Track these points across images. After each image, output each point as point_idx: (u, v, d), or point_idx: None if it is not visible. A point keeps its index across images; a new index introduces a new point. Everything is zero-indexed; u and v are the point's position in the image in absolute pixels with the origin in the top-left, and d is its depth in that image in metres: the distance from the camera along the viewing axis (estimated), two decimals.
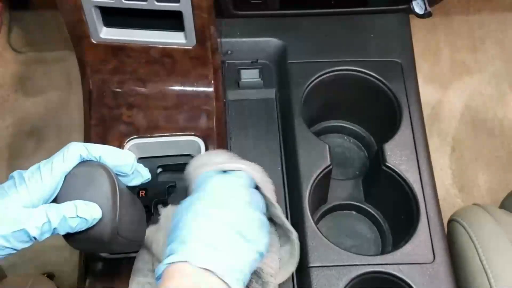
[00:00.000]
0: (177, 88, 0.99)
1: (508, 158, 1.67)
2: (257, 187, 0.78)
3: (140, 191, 0.92)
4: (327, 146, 0.99)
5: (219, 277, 0.61)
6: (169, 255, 0.63)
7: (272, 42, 1.10)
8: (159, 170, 0.96)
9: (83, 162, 0.66)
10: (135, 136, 0.95)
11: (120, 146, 0.94)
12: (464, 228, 0.98)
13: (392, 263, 0.90)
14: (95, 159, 0.67)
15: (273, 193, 0.80)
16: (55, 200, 0.64)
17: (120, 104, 0.98)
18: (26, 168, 0.64)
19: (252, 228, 0.68)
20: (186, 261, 0.61)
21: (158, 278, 0.63)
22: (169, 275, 0.62)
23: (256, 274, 0.80)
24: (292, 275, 0.93)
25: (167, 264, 0.62)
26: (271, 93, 1.09)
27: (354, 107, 1.13)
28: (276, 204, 0.80)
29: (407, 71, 1.08)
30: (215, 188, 0.72)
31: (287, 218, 0.98)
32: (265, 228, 0.71)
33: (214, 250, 0.63)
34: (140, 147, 0.92)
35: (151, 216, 0.91)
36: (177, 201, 0.93)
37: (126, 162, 0.70)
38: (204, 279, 0.61)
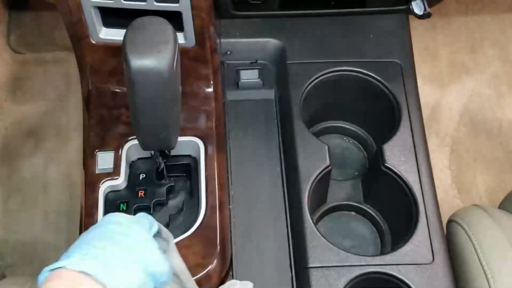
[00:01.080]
0: None
1: (507, 158, 1.67)
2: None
3: (140, 192, 0.93)
4: (326, 147, 0.99)
5: (97, 280, 0.61)
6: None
7: (271, 43, 1.10)
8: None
9: None
10: (135, 137, 0.95)
11: (119, 146, 0.94)
12: (463, 228, 0.98)
13: (391, 263, 0.90)
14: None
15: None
16: None
17: (119, 104, 0.98)
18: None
19: (141, 253, 0.67)
20: (64, 267, 0.62)
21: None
22: (47, 279, 0.63)
23: None
24: (292, 275, 0.93)
25: (47, 271, 0.63)
26: (270, 94, 1.09)
27: (354, 107, 1.13)
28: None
29: (406, 71, 1.08)
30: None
31: (286, 218, 0.98)
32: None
33: (93, 257, 0.64)
34: (139, 147, 0.92)
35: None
36: (176, 202, 0.94)
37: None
38: (82, 282, 0.62)
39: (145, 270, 0.66)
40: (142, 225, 0.70)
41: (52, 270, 0.63)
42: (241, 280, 0.86)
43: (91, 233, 0.70)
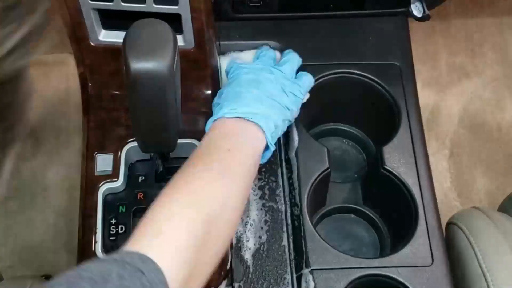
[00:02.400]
0: None
1: (506, 161, 1.68)
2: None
3: (139, 194, 0.93)
4: (325, 149, 0.99)
5: (255, 123, 0.82)
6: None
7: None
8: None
9: None
10: (134, 139, 0.95)
11: (119, 148, 0.94)
12: (463, 231, 0.98)
13: (390, 266, 0.90)
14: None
15: None
16: None
17: (119, 107, 0.98)
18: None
19: (280, 96, 0.89)
20: (224, 116, 0.83)
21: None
22: (214, 127, 0.83)
23: None
24: (291, 277, 0.93)
25: (211, 121, 0.84)
26: None
27: (353, 110, 1.13)
28: None
29: (405, 74, 1.08)
30: (247, 71, 0.94)
31: (285, 220, 0.98)
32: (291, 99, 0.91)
33: (248, 106, 0.84)
34: (138, 150, 0.91)
35: None
36: None
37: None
38: (243, 124, 0.82)
39: (285, 113, 0.89)
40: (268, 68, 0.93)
41: (215, 120, 0.83)
42: (238, 282, 0.87)
43: (234, 89, 0.89)
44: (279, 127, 0.88)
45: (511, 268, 0.91)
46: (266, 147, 0.86)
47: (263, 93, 0.87)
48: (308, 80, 0.97)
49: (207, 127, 0.84)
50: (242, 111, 0.83)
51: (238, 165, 0.77)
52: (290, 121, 0.93)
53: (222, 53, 1.07)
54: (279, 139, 1.04)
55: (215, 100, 0.92)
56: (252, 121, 0.82)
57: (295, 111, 0.93)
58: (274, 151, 1.04)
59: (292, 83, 0.93)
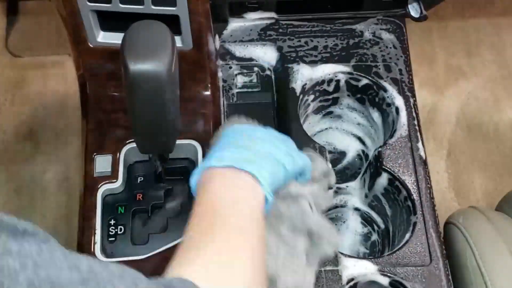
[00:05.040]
0: None
1: (504, 161, 1.68)
2: None
3: (138, 195, 0.93)
4: (324, 149, 1.00)
5: (253, 175, 0.70)
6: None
7: (268, 47, 1.10)
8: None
9: None
10: (133, 140, 0.95)
11: (117, 150, 0.95)
12: (460, 230, 0.99)
13: (389, 265, 0.91)
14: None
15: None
16: None
17: (117, 108, 0.98)
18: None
19: (280, 149, 0.77)
20: (213, 166, 0.71)
21: (194, 186, 0.73)
22: (204, 179, 0.71)
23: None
24: None
25: (198, 172, 0.72)
26: (267, 97, 1.09)
27: (351, 111, 1.13)
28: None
29: (403, 75, 1.08)
30: (239, 129, 0.82)
31: None
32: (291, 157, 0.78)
33: (238, 153, 0.73)
34: (137, 151, 0.92)
35: (147, 220, 0.92)
36: (174, 205, 0.94)
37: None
38: (241, 178, 0.70)
39: (282, 164, 0.75)
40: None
41: (204, 170, 0.72)
42: None
43: (223, 142, 0.77)
44: (275, 177, 0.74)
45: (508, 267, 0.91)
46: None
47: (255, 143, 0.76)
48: (304, 161, 0.81)
49: (193, 180, 0.73)
50: (232, 160, 0.71)
51: (250, 221, 0.68)
52: (286, 177, 0.77)
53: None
54: None
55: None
56: (245, 171, 0.70)
57: (292, 164, 0.78)
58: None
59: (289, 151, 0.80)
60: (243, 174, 0.70)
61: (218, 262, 0.61)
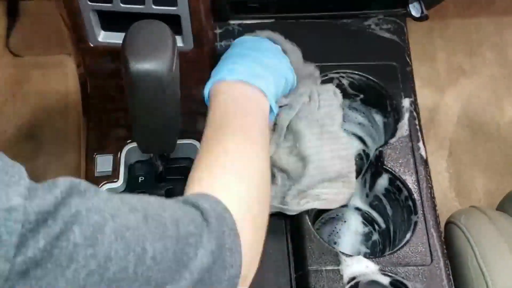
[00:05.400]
0: None
1: (505, 161, 1.68)
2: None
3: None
4: None
5: (260, 89, 0.80)
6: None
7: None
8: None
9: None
10: (133, 140, 0.95)
11: (118, 149, 0.95)
12: (462, 230, 0.98)
13: (389, 265, 0.90)
14: None
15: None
16: None
17: (118, 108, 0.98)
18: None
19: (283, 63, 0.90)
20: (223, 79, 0.81)
21: (206, 96, 0.83)
22: (216, 91, 0.81)
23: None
24: (291, 278, 0.93)
25: (210, 85, 0.82)
26: None
27: (351, 110, 1.13)
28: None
29: (404, 74, 1.08)
30: (249, 40, 0.94)
31: (284, 218, 0.98)
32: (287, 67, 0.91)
33: (248, 68, 0.82)
34: (138, 150, 0.92)
35: None
36: None
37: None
38: (247, 87, 0.80)
39: (284, 76, 0.87)
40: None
41: (214, 83, 0.82)
42: None
43: (234, 53, 0.88)
44: (278, 89, 0.86)
45: (509, 267, 0.91)
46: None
47: (262, 55, 0.87)
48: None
49: (206, 91, 0.83)
50: (242, 73, 0.81)
51: (258, 130, 0.77)
52: (286, 88, 0.91)
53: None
54: None
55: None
56: (253, 85, 0.80)
57: (292, 77, 0.92)
58: None
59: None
60: (251, 88, 0.79)
61: (231, 174, 0.69)
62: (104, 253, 0.48)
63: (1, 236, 0.43)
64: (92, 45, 0.94)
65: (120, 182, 0.92)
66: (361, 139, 1.15)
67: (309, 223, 0.94)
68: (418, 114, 1.05)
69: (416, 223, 0.95)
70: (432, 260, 0.91)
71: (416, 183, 0.98)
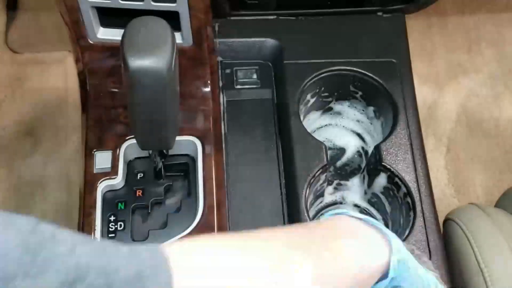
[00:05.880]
0: None
1: (504, 158, 1.68)
2: None
3: (137, 191, 0.93)
4: (323, 145, 1.00)
5: (378, 228, 0.65)
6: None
7: (268, 43, 1.10)
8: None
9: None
10: (132, 136, 0.95)
11: (117, 146, 0.95)
12: (460, 227, 0.98)
13: None
14: None
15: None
16: None
17: (117, 104, 0.98)
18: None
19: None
20: (346, 213, 0.68)
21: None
22: (336, 218, 0.68)
23: None
24: None
25: (332, 214, 0.70)
26: (268, 93, 1.09)
27: (350, 107, 1.13)
28: None
29: (403, 71, 1.08)
30: None
31: (283, 217, 0.98)
32: None
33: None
34: (136, 147, 0.92)
35: (147, 216, 0.92)
36: (174, 201, 0.94)
37: None
38: (371, 230, 0.64)
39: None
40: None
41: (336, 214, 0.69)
42: None
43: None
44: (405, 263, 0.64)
45: (508, 263, 0.91)
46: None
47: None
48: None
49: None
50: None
51: (340, 271, 0.60)
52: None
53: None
54: (275, 132, 1.04)
55: None
56: (377, 227, 0.65)
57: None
58: (271, 147, 1.04)
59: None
60: (374, 231, 0.65)
61: None
62: None
63: None
64: (91, 42, 0.94)
65: (119, 179, 0.92)
66: (359, 136, 1.15)
67: (309, 219, 0.94)
68: (416, 110, 1.05)
69: (414, 220, 0.95)
70: (430, 256, 0.91)
71: (414, 180, 0.98)
